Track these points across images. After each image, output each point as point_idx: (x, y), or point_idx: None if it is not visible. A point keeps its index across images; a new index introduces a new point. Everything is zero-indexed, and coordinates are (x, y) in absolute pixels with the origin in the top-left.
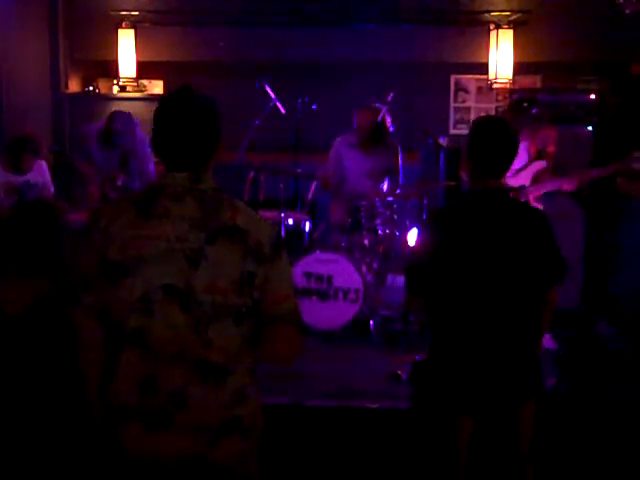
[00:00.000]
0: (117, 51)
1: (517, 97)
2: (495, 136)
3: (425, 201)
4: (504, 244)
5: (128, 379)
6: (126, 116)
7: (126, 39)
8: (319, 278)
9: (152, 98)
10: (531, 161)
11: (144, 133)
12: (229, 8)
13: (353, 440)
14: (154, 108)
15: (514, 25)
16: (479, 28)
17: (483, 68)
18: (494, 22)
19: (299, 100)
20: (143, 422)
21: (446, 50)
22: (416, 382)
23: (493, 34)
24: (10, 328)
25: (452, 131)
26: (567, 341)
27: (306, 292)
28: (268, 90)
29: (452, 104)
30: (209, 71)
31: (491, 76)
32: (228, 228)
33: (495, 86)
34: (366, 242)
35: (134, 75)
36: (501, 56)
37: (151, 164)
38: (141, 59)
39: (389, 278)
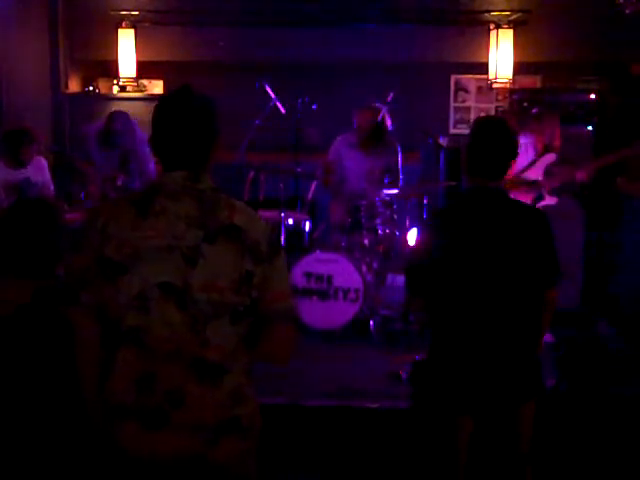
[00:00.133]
0: (117, 51)
1: (517, 97)
2: (494, 136)
3: (425, 201)
4: (503, 244)
5: (125, 377)
6: (125, 116)
7: (126, 39)
8: (319, 278)
9: (152, 98)
10: (540, 155)
11: (144, 133)
12: (229, 8)
13: (353, 440)
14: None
15: (514, 25)
16: (479, 28)
17: (483, 68)
18: (494, 22)
19: (299, 100)
20: (140, 421)
21: (446, 50)
22: (416, 382)
23: (493, 34)
24: (1, 328)
25: (452, 131)
26: (567, 341)
27: (306, 292)
28: (268, 90)
29: (452, 104)
30: (209, 71)
31: (491, 76)
32: (226, 227)
33: (495, 86)
34: (366, 242)
35: (134, 75)
36: (501, 56)
37: (151, 164)
38: (141, 59)
39: (389, 278)
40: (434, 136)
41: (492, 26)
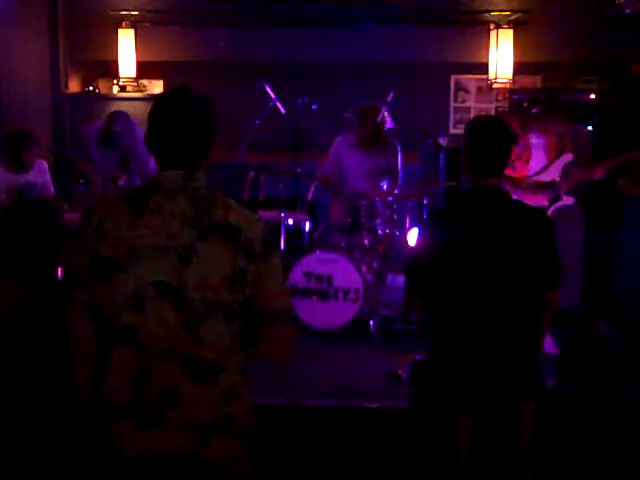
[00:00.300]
0: (117, 51)
1: (517, 97)
2: (489, 134)
3: (425, 201)
4: (504, 244)
5: (120, 376)
6: (125, 116)
7: (126, 39)
8: (319, 278)
9: (152, 98)
10: (557, 156)
11: (144, 133)
12: (229, 8)
13: (353, 440)
14: None
15: (514, 25)
16: (479, 28)
17: (483, 68)
18: (494, 22)
19: (299, 100)
20: (134, 419)
21: (446, 50)
22: (416, 382)
23: (493, 34)
24: None
25: (452, 131)
26: (567, 341)
27: (306, 292)
28: (268, 90)
29: (452, 104)
30: (209, 71)
31: (491, 76)
32: (220, 225)
33: (495, 86)
34: (366, 242)
35: (134, 75)
36: (501, 56)
37: (151, 163)
38: (141, 59)
39: (389, 278)
40: (434, 136)
41: (492, 26)
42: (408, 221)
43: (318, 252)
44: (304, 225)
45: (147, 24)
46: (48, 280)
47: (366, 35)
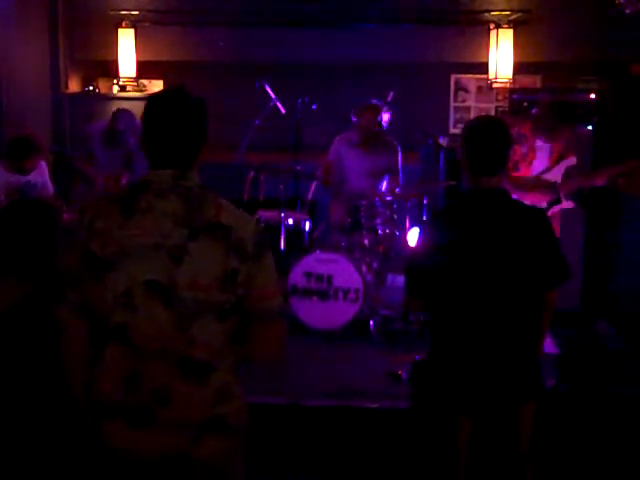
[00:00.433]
0: (117, 51)
1: (517, 97)
2: (489, 134)
3: (425, 201)
4: (504, 244)
5: (111, 375)
6: (129, 115)
7: (126, 39)
8: (319, 278)
9: None
10: (560, 160)
11: None
12: (229, 8)
13: (353, 440)
14: None
15: (514, 25)
16: (479, 28)
17: (483, 68)
18: (494, 22)
19: (299, 100)
20: (126, 419)
21: (446, 50)
22: (416, 382)
23: (493, 34)
24: None
25: (452, 131)
26: (567, 341)
27: (306, 292)
28: (268, 90)
29: (452, 104)
30: (209, 71)
31: (491, 76)
32: (212, 225)
33: (495, 86)
34: (366, 242)
35: (134, 75)
36: (501, 56)
37: None
38: (141, 59)
39: (389, 278)
40: (434, 136)
41: (492, 26)
42: (408, 221)
43: (318, 252)
44: (304, 225)
45: (147, 24)
46: (48, 280)
47: (366, 35)
